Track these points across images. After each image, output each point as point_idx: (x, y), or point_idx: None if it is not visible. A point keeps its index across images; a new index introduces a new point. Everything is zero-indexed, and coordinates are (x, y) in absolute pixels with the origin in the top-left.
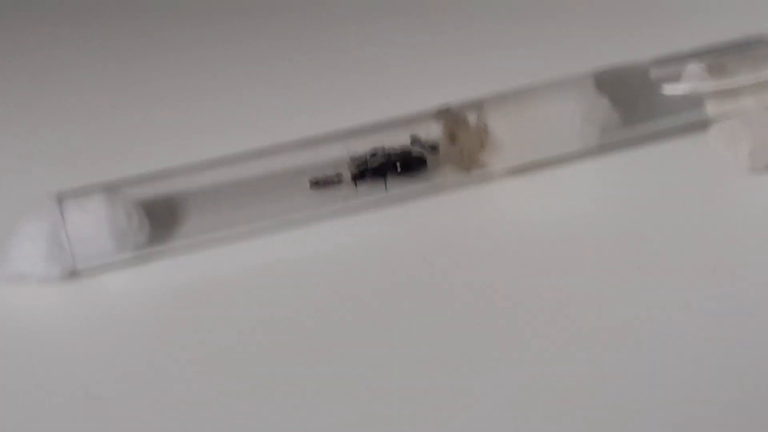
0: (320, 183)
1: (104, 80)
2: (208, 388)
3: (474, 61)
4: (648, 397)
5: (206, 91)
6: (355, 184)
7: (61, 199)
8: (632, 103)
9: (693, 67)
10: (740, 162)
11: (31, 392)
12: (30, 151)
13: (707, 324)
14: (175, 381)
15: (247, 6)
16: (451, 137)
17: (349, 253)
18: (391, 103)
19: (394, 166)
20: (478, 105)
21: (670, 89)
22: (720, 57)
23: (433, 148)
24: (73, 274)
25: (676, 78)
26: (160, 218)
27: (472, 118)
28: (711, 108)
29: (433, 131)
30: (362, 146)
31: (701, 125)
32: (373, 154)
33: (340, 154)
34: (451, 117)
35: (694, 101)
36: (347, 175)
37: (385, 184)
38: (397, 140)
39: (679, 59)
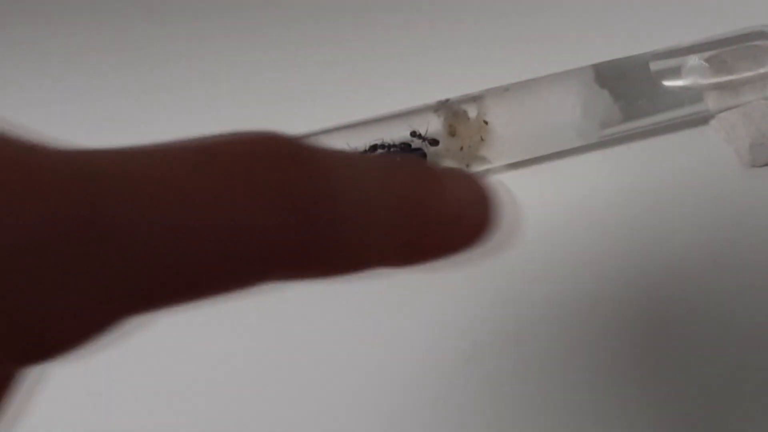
0: None
1: (104, 75)
2: (208, 385)
3: (474, 55)
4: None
5: (204, 87)
6: None
7: None
8: (632, 97)
9: (693, 61)
10: (740, 156)
11: (30, 389)
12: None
13: (707, 318)
14: (175, 378)
15: (247, 1)
16: (451, 131)
17: None
18: (391, 97)
19: None
20: (478, 99)
21: (671, 83)
22: (720, 51)
23: (433, 142)
24: None
25: (676, 72)
26: None
27: (472, 112)
28: (711, 102)
29: (433, 125)
30: (362, 140)
31: (701, 119)
32: (373, 148)
33: (340, 148)
34: (450, 111)
35: (695, 95)
36: None
37: None
38: (396, 134)
39: (679, 53)
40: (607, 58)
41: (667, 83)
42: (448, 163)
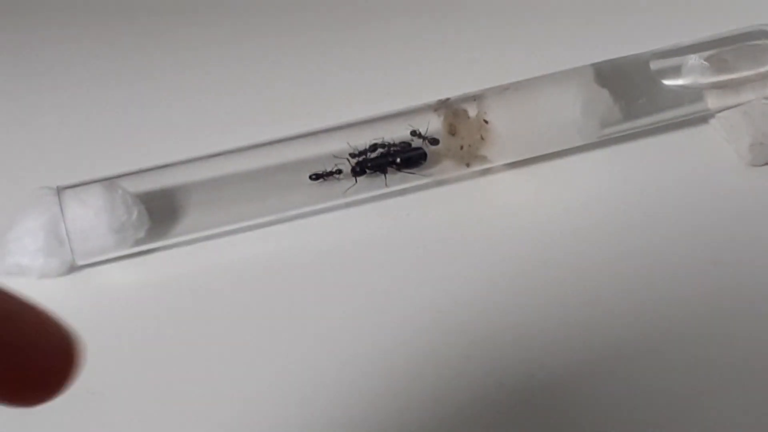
0: (320, 177)
1: (104, 75)
2: (207, 382)
3: (474, 54)
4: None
5: (206, 86)
6: (355, 178)
7: (60, 192)
8: (633, 96)
9: (694, 60)
10: (740, 155)
11: None
12: (30, 145)
13: (708, 316)
14: (175, 375)
15: (246, 0)
16: (451, 130)
17: (351, 245)
18: (391, 96)
19: (393, 160)
20: (478, 98)
21: (671, 82)
22: (721, 50)
23: (433, 141)
24: (72, 267)
25: (676, 70)
26: (160, 211)
27: (472, 111)
28: (711, 101)
29: (433, 124)
30: (362, 140)
31: (702, 118)
32: (373, 148)
33: (340, 147)
34: (451, 110)
35: (695, 94)
36: (347, 168)
37: (385, 177)
38: (396, 133)
39: (679, 52)
40: (607, 57)
41: (667, 82)
42: (449, 162)
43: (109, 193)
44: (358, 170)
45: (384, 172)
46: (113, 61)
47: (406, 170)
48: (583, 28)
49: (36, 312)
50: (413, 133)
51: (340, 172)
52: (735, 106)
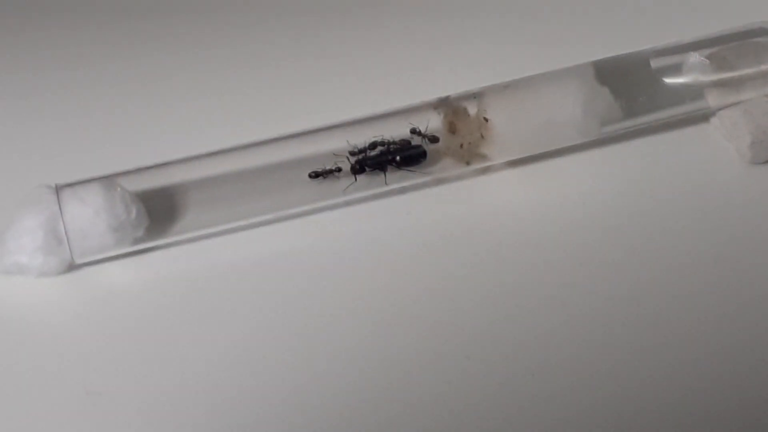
0: (320, 175)
1: (103, 73)
2: (206, 380)
3: (474, 52)
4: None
5: (205, 84)
6: (355, 176)
7: (59, 191)
8: (633, 94)
9: (694, 58)
10: (741, 153)
11: (29, 385)
12: (28, 143)
13: (709, 313)
14: (174, 373)
15: None
16: (451, 128)
17: (351, 243)
18: (391, 94)
19: (393, 158)
20: (478, 96)
21: (671, 80)
22: (721, 48)
23: (433, 139)
24: (71, 266)
25: (677, 68)
26: (159, 210)
27: (472, 109)
28: (712, 99)
29: (433, 122)
30: (362, 138)
31: (702, 116)
32: (373, 146)
33: (340, 145)
34: (451, 108)
35: (695, 92)
36: (347, 166)
37: (385, 175)
38: (396, 131)
39: (680, 50)
40: (608, 55)
41: (667, 80)
42: (449, 160)
43: (107, 192)
44: (358, 168)
45: (384, 170)
46: (112, 60)
47: (406, 168)
48: (583, 25)
49: None
50: (413, 131)
51: (339, 170)
52: (736, 103)
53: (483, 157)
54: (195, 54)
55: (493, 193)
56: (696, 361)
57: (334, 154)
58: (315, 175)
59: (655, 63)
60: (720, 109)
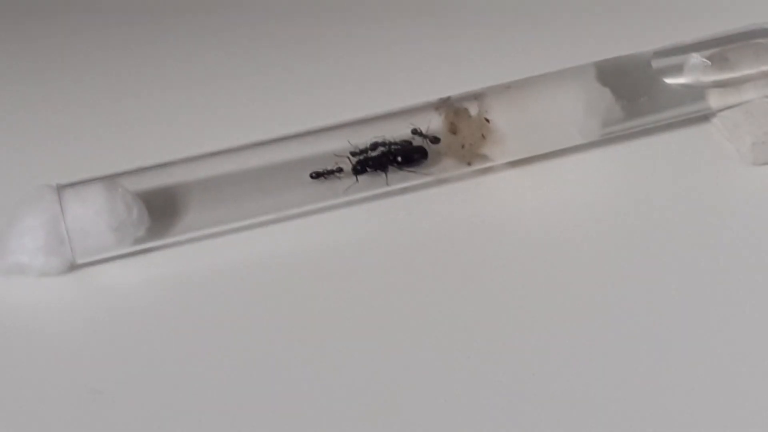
0: (321, 175)
1: (104, 72)
2: (208, 380)
3: (475, 53)
4: (657, 387)
5: (206, 84)
6: (356, 177)
7: (60, 191)
8: (634, 95)
9: (695, 59)
10: (742, 154)
11: (30, 385)
12: (29, 142)
13: (709, 316)
14: (176, 374)
15: None
16: (453, 129)
17: (352, 244)
18: (392, 94)
19: (394, 158)
20: (479, 96)
21: (673, 81)
22: (722, 49)
23: (434, 139)
24: (72, 266)
25: (678, 69)
26: (160, 209)
27: (473, 109)
28: (713, 99)
29: (434, 123)
30: (363, 138)
31: (703, 117)
32: (374, 146)
33: (341, 146)
34: (452, 108)
35: (697, 93)
36: (348, 167)
37: (386, 176)
38: (398, 132)
39: (681, 51)
40: (609, 56)
41: (668, 81)
42: (450, 160)
43: (109, 192)
44: (359, 169)
45: (385, 170)
46: (113, 59)
47: (407, 169)
48: (584, 26)
49: None
50: (414, 131)
51: (341, 170)
52: (737, 104)
53: (484, 158)
54: (196, 54)
55: (495, 193)
56: (697, 363)
57: (335, 154)
58: (316, 176)
59: (656, 64)
60: (721, 110)
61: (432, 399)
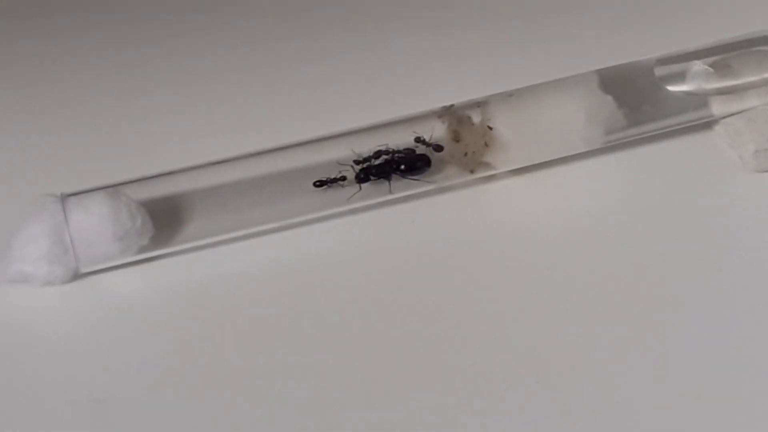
0: (324, 183)
1: (108, 81)
2: (212, 389)
3: (478, 61)
4: (657, 390)
5: (210, 93)
6: (359, 185)
7: (64, 200)
8: (637, 103)
9: (698, 66)
10: (745, 161)
11: (33, 394)
12: (33, 152)
13: (711, 322)
14: (179, 383)
15: (249, 7)
16: (455, 137)
17: (355, 252)
18: (395, 103)
19: (397, 167)
20: (482, 104)
21: (675, 88)
22: (725, 56)
23: (437, 148)
24: (76, 275)
25: (680, 77)
26: (164, 218)
27: (476, 117)
28: (716, 107)
29: (437, 131)
30: (366, 146)
31: (706, 124)
32: (377, 155)
33: (344, 154)
34: (455, 117)
35: (699, 100)
36: (351, 175)
37: (389, 184)
38: (401, 140)
39: (683, 58)
40: (612, 64)
41: (671, 88)
42: (453, 168)
43: (113, 201)
44: (362, 177)
45: (388, 178)
46: (117, 68)
47: (410, 177)
48: (587, 34)
49: None
50: (417, 139)
51: (344, 178)
52: (739, 112)
53: (487, 166)
54: (200, 63)
55: (497, 201)
56: (702, 371)
57: (338, 163)
58: (319, 184)
59: (658, 71)
60: (723, 117)
61: (436, 406)
